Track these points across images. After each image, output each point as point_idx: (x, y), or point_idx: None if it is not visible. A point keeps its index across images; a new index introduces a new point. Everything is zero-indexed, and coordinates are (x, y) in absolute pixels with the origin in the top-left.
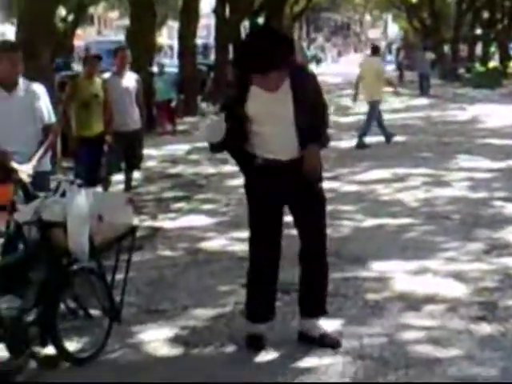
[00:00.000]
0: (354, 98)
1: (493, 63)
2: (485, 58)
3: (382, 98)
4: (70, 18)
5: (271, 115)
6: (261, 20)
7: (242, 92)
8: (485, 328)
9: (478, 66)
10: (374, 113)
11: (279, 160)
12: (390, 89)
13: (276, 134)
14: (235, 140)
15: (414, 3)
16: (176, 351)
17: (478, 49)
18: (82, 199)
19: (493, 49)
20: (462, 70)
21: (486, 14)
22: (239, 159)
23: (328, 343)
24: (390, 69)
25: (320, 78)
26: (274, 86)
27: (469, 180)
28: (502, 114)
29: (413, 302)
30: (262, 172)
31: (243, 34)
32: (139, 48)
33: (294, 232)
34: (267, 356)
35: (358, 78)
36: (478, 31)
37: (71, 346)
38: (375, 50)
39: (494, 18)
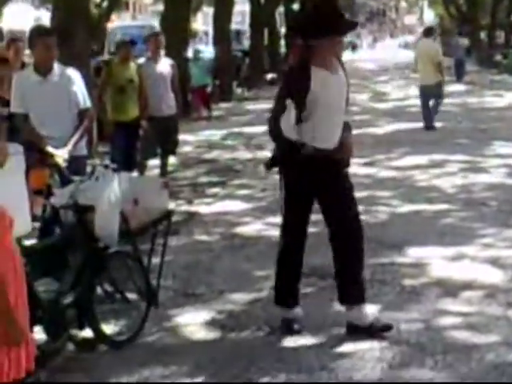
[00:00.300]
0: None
1: None
2: None
3: (440, 80)
4: (105, 3)
5: (333, 98)
6: (296, 6)
7: (308, 75)
8: None
9: None
10: (439, 94)
11: (326, 149)
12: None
13: (330, 120)
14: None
15: None
16: (213, 335)
17: None
18: (114, 184)
19: None
20: (498, 57)
21: None
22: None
23: (379, 329)
24: None
25: (356, 64)
26: (339, 55)
27: (506, 167)
28: None
29: (450, 288)
30: (307, 162)
31: (278, 20)
32: (173, 33)
33: None
34: (303, 341)
35: (415, 61)
36: None
37: (108, 329)
38: (427, 32)
39: None
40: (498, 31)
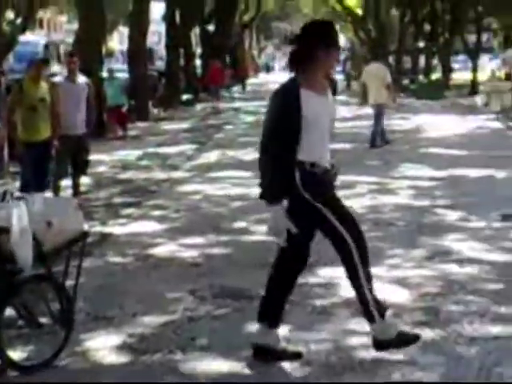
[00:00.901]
0: (362, 102)
1: (435, 75)
2: (428, 70)
3: (386, 101)
4: (19, 21)
5: (322, 119)
6: (211, 27)
7: (298, 97)
8: (427, 333)
9: (422, 78)
10: (381, 115)
11: (326, 168)
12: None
13: (323, 140)
14: (294, 152)
15: (359, 16)
16: (124, 359)
17: (422, 61)
18: (23, 207)
19: (435, 61)
20: (405, 81)
21: (428, 27)
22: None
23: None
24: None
25: (271, 86)
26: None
27: (413, 188)
28: (444, 125)
29: (359, 308)
30: (317, 179)
31: (193, 41)
32: (88, 52)
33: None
34: (215, 363)
35: (362, 83)
36: (421, 44)
37: (15, 354)
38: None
39: (435, 31)
40: (406, 56)
